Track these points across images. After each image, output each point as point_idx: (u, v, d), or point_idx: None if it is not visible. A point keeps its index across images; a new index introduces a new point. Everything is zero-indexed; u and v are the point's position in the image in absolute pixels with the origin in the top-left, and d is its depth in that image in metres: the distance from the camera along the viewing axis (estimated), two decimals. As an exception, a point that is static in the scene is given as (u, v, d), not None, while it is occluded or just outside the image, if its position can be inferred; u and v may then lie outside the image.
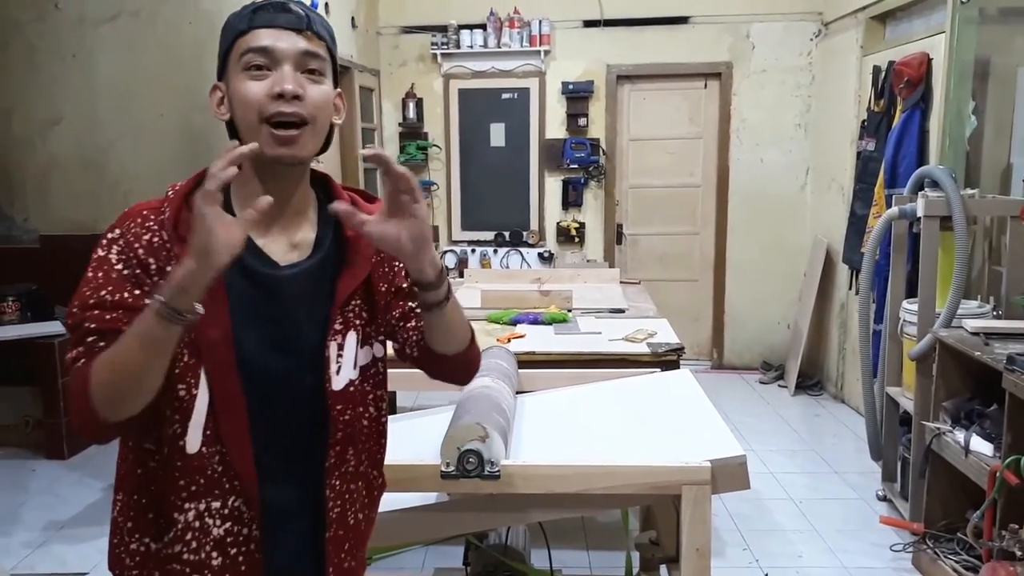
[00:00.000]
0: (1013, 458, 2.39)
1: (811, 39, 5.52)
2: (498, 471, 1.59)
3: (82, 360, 1.06)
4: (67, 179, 4.51)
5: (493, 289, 3.70)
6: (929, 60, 3.90)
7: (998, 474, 2.43)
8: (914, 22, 4.33)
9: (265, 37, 1.10)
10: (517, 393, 2.21)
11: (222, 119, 1.15)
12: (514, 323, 3.17)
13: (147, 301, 1.02)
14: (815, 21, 5.49)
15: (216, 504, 1.13)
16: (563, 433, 2.02)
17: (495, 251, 5.87)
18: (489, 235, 5.90)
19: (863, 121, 4.62)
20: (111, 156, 4.45)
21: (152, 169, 4.38)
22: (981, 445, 2.65)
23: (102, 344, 1.06)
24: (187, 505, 1.12)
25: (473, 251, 5.89)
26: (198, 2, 4.22)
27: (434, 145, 5.84)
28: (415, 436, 1.97)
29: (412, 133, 5.83)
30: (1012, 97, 3.61)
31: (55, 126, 4.48)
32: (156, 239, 1.11)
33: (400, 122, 5.82)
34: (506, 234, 5.86)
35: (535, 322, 3.17)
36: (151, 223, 1.12)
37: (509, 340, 2.87)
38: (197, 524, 1.12)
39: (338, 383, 1.19)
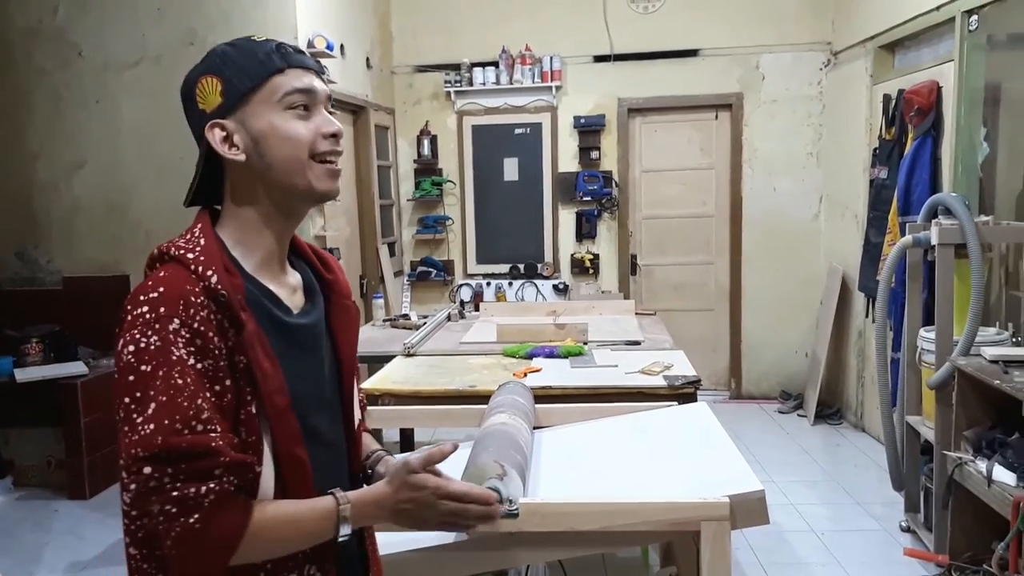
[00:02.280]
0: (1037, 488, 2.36)
1: (820, 68, 5.56)
2: (517, 509, 1.59)
3: (211, 497, 0.95)
4: (91, 221, 4.61)
5: (509, 323, 3.72)
6: (939, 88, 3.92)
7: (1022, 504, 2.40)
8: (923, 50, 4.37)
9: (305, 78, 1.09)
10: (534, 428, 2.21)
11: (234, 158, 1.08)
12: (530, 357, 3.18)
13: (332, 507, 1.03)
14: (824, 51, 5.54)
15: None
16: (581, 469, 2.03)
17: (510, 284, 5.90)
18: (504, 268, 5.94)
19: (875, 149, 4.64)
20: (133, 198, 4.55)
21: (173, 211, 4.43)
22: (1004, 475, 2.61)
23: (231, 479, 0.97)
24: None
25: (488, 284, 5.93)
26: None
27: (448, 181, 5.91)
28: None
29: (427, 169, 5.90)
30: (1024, 122, 3.62)
31: (79, 170, 4.59)
32: (212, 315, 1.00)
33: (415, 159, 5.90)
34: (521, 267, 5.90)
35: (551, 355, 3.18)
36: (199, 299, 1.00)
37: (525, 375, 2.88)
38: None
39: (356, 422, 1.24)
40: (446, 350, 3.41)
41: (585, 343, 3.38)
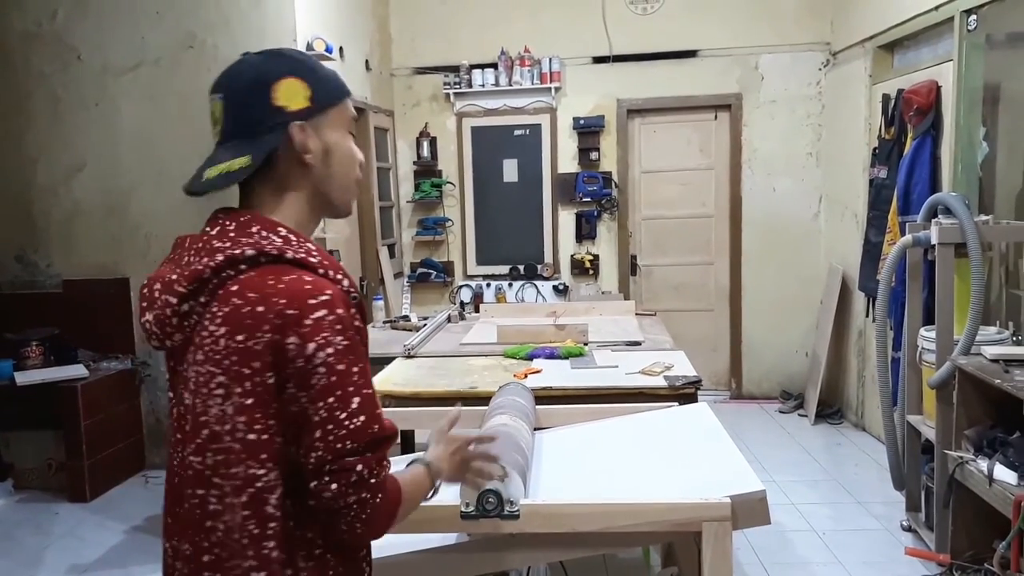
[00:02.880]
0: (1038, 487, 2.36)
1: (820, 68, 5.57)
2: (518, 510, 1.59)
3: (383, 478, 1.09)
4: (90, 224, 4.60)
5: (509, 324, 3.72)
6: (938, 88, 3.93)
7: (1023, 503, 2.40)
8: (922, 50, 4.37)
9: (354, 108, 1.23)
10: (535, 429, 2.21)
11: (308, 161, 1.14)
12: (530, 358, 3.18)
13: (426, 469, 1.28)
14: (823, 51, 5.54)
15: None
16: (582, 470, 2.03)
17: (510, 284, 5.90)
18: (504, 269, 5.94)
19: (874, 149, 4.64)
20: (133, 201, 4.54)
21: (172, 213, 4.46)
22: (1005, 474, 2.61)
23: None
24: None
25: (488, 285, 5.93)
26: (216, 51, 4.33)
27: (448, 182, 5.91)
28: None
29: (426, 171, 5.90)
30: (1024, 121, 3.62)
31: (78, 173, 4.58)
32: (356, 315, 1.12)
33: (414, 161, 5.90)
34: (521, 267, 5.90)
35: (551, 356, 3.18)
36: (348, 301, 1.11)
37: (526, 375, 2.88)
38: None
39: None
40: (446, 351, 3.41)
41: (585, 344, 3.37)
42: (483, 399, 2.48)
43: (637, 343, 3.44)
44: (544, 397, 2.57)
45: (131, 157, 4.52)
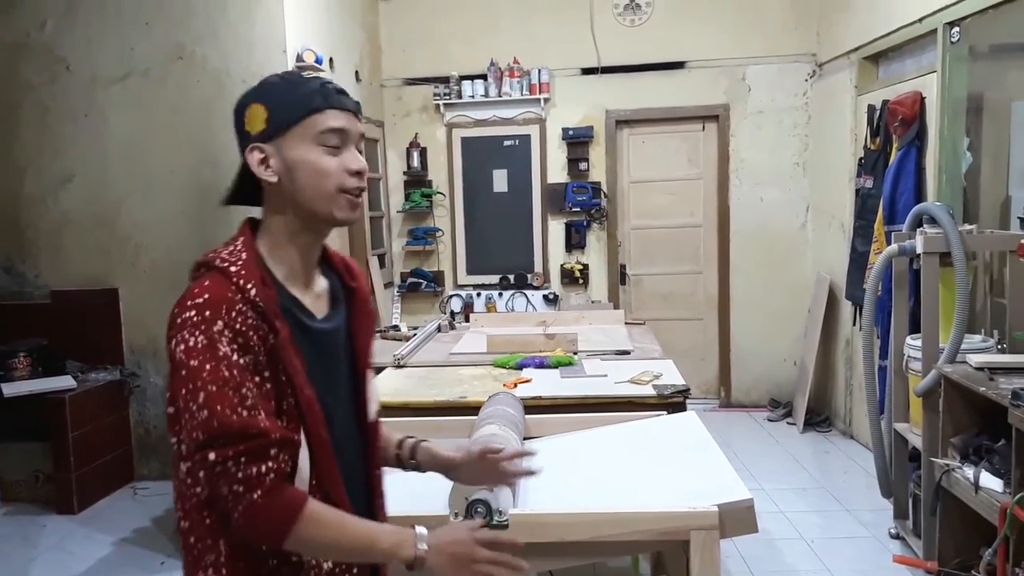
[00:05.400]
0: (1023, 495, 2.38)
1: (806, 80, 5.62)
2: (507, 520, 1.60)
3: (271, 476, 1.10)
4: (79, 235, 4.58)
5: (499, 333, 3.73)
6: (922, 98, 3.97)
7: (1009, 511, 2.42)
8: (906, 62, 4.42)
9: (340, 119, 1.21)
10: (524, 439, 2.22)
11: (266, 178, 1.21)
12: (520, 367, 3.19)
13: (398, 543, 1.16)
14: (809, 62, 5.59)
15: None
16: (571, 479, 2.03)
17: (500, 294, 5.91)
18: (494, 278, 5.95)
19: (860, 159, 4.69)
20: (122, 212, 4.53)
21: (162, 224, 4.46)
22: (991, 481, 2.64)
23: (285, 457, 1.12)
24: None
25: (479, 294, 5.94)
26: (205, 62, 4.34)
27: (438, 192, 5.92)
28: (422, 485, 1.98)
29: (416, 181, 5.91)
30: (1007, 131, 3.66)
31: (67, 184, 4.57)
32: (251, 320, 1.13)
33: (404, 171, 5.92)
34: (511, 277, 5.91)
35: (541, 366, 3.19)
36: (238, 306, 1.13)
37: (516, 385, 2.89)
38: (313, 562, 1.20)
39: (372, 416, 1.36)
40: (436, 361, 3.42)
41: (575, 353, 3.39)
42: (473, 409, 2.49)
43: (626, 352, 3.46)
44: (534, 406, 2.58)
45: (120, 168, 4.51)
